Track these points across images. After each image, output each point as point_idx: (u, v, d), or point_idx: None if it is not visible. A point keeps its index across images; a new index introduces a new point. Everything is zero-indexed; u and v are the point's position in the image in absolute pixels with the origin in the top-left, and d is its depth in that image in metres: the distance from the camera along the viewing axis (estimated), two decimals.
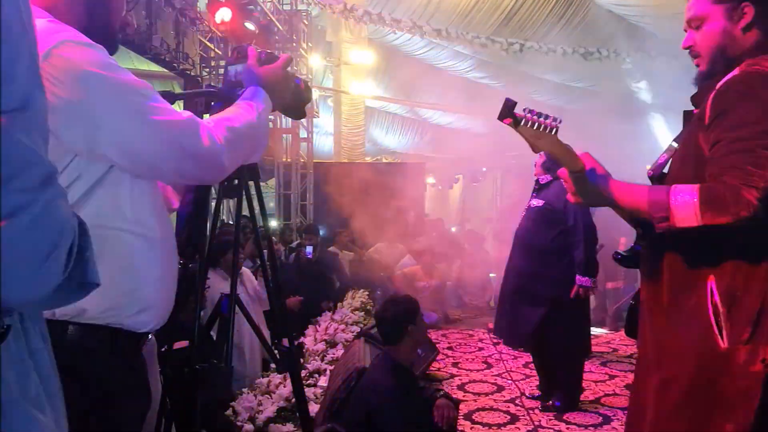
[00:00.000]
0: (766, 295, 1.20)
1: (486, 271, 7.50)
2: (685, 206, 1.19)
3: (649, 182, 1.45)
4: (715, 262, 1.25)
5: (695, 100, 1.40)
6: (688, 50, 1.39)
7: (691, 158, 1.31)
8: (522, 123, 1.28)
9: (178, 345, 1.51)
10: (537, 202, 3.59)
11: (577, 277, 3.36)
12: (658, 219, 1.23)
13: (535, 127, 1.28)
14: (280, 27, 7.77)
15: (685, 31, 1.39)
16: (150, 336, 1.20)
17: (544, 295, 3.48)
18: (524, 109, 1.30)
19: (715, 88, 1.29)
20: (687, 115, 1.44)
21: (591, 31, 10.29)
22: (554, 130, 1.29)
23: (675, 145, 1.42)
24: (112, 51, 1.15)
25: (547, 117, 1.29)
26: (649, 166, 1.49)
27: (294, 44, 8.28)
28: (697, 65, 1.38)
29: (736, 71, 1.28)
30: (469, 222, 13.20)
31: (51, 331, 0.70)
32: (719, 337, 1.22)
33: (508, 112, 1.28)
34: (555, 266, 3.40)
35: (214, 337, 1.61)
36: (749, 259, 1.22)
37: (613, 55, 10.13)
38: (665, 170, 1.44)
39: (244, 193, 1.61)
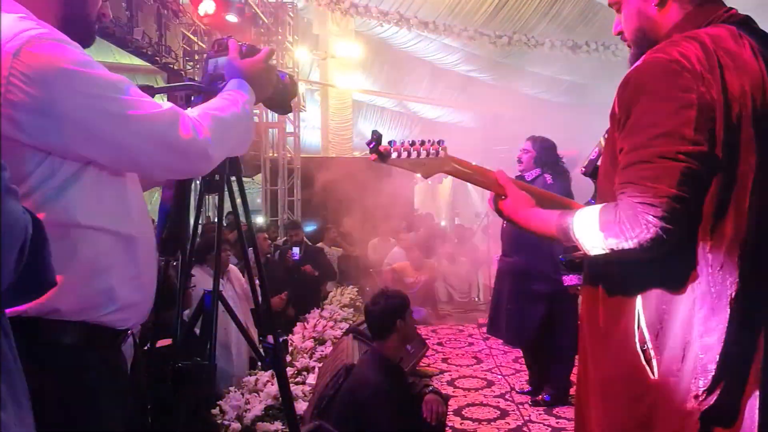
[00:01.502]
0: (691, 322, 1.03)
1: (474, 266, 7.50)
2: (590, 235, 1.06)
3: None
4: (641, 282, 1.08)
5: None
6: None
7: (612, 165, 1.12)
8: (393, 156, 1.22)
9: (161, 343, 1.48)
10: None
11: (564, 277, 3.32)
12: (571, 249, 1.15)
13: (411, 157, 1.22)
14: (265, 19, 7.67)
15: None
16: (129, 332, 1.18)
17: (542, 292, 3.48)
18: (390, 142, 1.23)
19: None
20: None
21: (579, 24, 10.29)
22: (437, 153, 1.22)
23: (602, 141, 1.28)
24: (88, 43, 1.15)
25: (423, 143, 1.22)
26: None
27: (279, 37, 8.19)
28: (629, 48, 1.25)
29: (641, 59, 1.10)
30: (458, 217, 13.20)
31: (23, 328, 0.70)
32: (647, 368, 1.06)
33: (374, 148, 1.22)
34: (549, 261, 3.37)
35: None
36: (673, 280, 1.05)
37: (602, 48, 10.14)
38: (599, 164, 1.30)
39: (226, 188, 1.56)
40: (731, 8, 1.16)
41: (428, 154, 1.23)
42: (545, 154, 3.54)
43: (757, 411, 1.02)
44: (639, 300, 1.08)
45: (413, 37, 10.86)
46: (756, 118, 1.04)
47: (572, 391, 3.68)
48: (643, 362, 1.06)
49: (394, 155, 1.22)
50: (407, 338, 2.56)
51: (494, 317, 3.82)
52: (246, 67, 1.32)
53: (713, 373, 1.01)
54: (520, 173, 3.60)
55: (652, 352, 1.06)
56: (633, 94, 1.07)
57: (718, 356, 1.01)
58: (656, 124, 1.02)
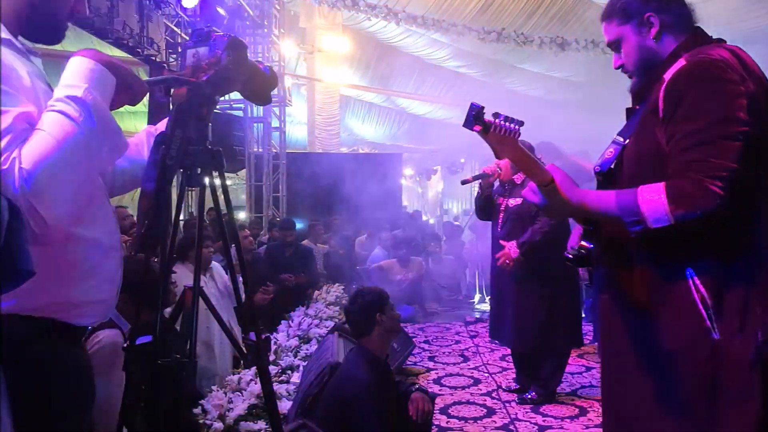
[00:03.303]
0: (750, 280, 1.19)
1: (462, 264, 7.49)
2: (656, 207, 1.18)
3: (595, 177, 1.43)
4: (691, 254, 1.23)
5: (639, 94, 1.40)
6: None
7: (650, 154, 1.28)
8: (492, 130, 1.23)
9: (141, 340, 1.44)
10: (515, 201, 3.54)
11: (513, 243, 3.39)
12: (632, 223, 1.21)
13: (501, 133, 1.24)
14: (251, 12, 7.55)
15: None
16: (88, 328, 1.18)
17: (544, 294, 3.45)
18: (493, 114, 1.25)
19: (663, 79, 1.28)
20: (630, 111, 1.42)
21: (568, 22, 10.31)
22: (517, 135, 1.26)
23: (621, 140, 1.38)
24: (55, 42, 1.11)
25: (512, 121, 1.25)
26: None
27: (265, 30, 8.07)
28: (631, 78, 1.43)
29: (682, 61, 1.27)
30: (447, 214, 13.21)
31: None
32: (712, 330, 1.19)
33: (476, 118, 1.23)
34: (548, 262, 3.35)
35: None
36: (727, 245, 1.21)
37: (591, 46, 10.18)
38: (612, 166, 1.40)
39: (207, 183, 1.51)
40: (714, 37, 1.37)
41: (509, 133, 1.25)
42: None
43: None
44: (690, 270, 1.21)
45: (402, 31, 10.80)
46: None
47: (559, 389, 3.69)
48: (709, 324, 1.19)
49: (493, 129, 1.24)
50: (391, 330, 2.55)
51: (497, 323, 3.75)
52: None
53: None
54: (508, 178, 3.57)
55: (713, 316, 1.19)
56: (684, 88, 1.23)
57: None
58: (713, 111, 1.19)
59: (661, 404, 1.25)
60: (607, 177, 1.40)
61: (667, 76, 1.27)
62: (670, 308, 1.24)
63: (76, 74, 1.03)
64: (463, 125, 1.24)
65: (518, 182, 3.55)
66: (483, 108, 1.24)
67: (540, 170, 1.32)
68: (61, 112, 0.98)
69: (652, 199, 1.18)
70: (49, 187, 0.93)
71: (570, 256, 1.44)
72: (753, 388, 1.17)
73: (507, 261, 3.44)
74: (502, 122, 1.24)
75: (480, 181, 3.72)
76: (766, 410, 1.16)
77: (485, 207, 3.75)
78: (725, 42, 1.35)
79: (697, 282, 1.21)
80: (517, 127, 1.25)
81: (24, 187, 0.90)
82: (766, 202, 1.22)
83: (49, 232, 0.93)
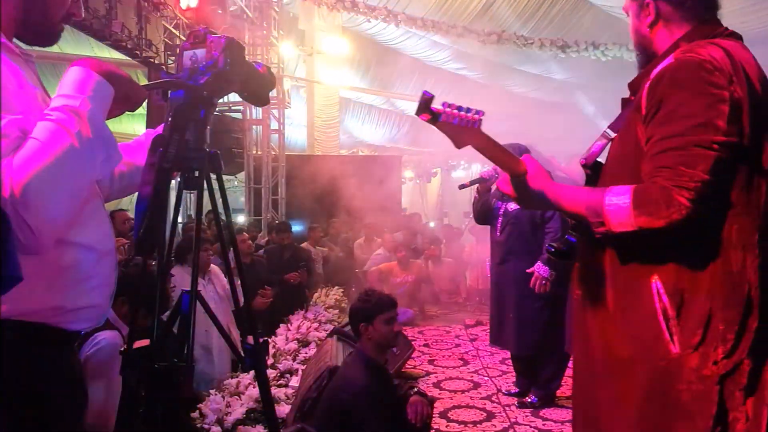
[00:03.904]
0: (715, 295, 1.13)
1: (461, 267, 7.47)
2: (619, 210, 1.13)
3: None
4: (658, 260, 1.17)
5: (632, 85, 1.34)
6: None
7: (630, 153, 1.23)
8: (441, 118, 1.22)
9: (138, 344, 1.43)
10: (514, 205, 3.51)
11: (539, 264, 3.29)
12: (596, 224, 1.17)
13: (456, 122, 1.22)
14: (250, 14, 7.55)
15: None
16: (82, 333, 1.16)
17: (545, 297, 3.42)
18: (443, 104, 1.23)
19: (650, 76, 1.22)
20: (625, 102, 1.37)
21: (569, 24, 10.31)
22: (476, 124, 1.23)
23: (610, 132, 1.33)
24: (49, 44, 1.11)
25: (468, 110, 1.23)
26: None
27: (264, 32, 8.07)
28: None
29: (670, 58, 1.21)
30: (447, 216, 13.19)
31: None
32: (671, 342, 1.14)
33: (424, 107, 1.21)
34: (549, 264, 3.32)
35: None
36: (695, 256, 1.15)
37: (591, 48, 10.18)
38: (599, 159, 1.37)
39: (205, 185, 1.50)
40: (728, 27, 1.28)
41: (468, 123, 1.24)
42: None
43: None
44: (657, 278, 1.16)
45: (401, 33, 10.81)
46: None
47: (559, 392, 3.67)
48: (668, 336, 1.14)
49: (442, 118, 1.22)
50: (378, 343, 2.43)
51: (499, 328, 3.71)
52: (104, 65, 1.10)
53: (732, 342, 1.11)
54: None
55: (674, 327, 1.14)
56: (666, 88, 1.16)
57: (737, 326, 1.11)
58: (691, 116, 1.11)
59: (619, 409, 1.22)
60: (594, 170, 1.36)
61: (655, 72, 1.21)
62: (633, 313, 1.20)
63: (74, 84, 1.03)
64: (415, 113, 1.23)
65: None
66: (433, 97, 1.22)
67: (512, 161, 1.29)
68: (56, 121, 0.97)
69: (618, 203, 1.13)
70: (39, 196, 0.91)
71: (551, 249, 1.41)
72: (707, 404, 1.12)
73: (542, 282, 3.32)
74: (454, 111, 1.22)
75: (477, 185, 3.70)
76: (719, 427, 1.12)
77: (483, 211, 3.73)
78: (734, 33, 1.26)
79: (661, 290, 1.15)
80: (476, 116, 1.22)
81: (14, 196, 0.89)
82: (738, 217, 1.14)
83: (36, 242, 0.92)
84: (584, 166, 1.37)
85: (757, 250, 1.14)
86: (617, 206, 1.13)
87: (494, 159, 1.31)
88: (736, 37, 1.26)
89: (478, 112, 1.23)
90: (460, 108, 1.23)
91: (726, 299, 1.12)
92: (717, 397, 1.11)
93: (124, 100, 1.11)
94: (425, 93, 1.22)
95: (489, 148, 1.28)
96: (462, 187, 4.02)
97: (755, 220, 1.15)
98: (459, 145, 1.26)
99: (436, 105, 1.22)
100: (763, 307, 1.13)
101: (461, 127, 1.23)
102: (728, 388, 1.11)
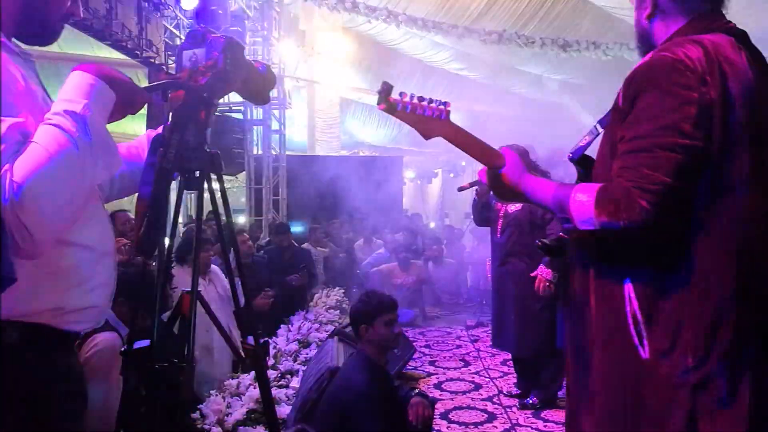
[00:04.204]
0: (684, 304, 1.10)
1: (463, 267, 7.46)
2: (582, 207, 1.12)
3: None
4: (633, 264, 1.15)
5: None
6: None
7: (609, 152, 1.21)
8: (398, 107, 1.23)
9: (139, 344, 1.43)
10: (515, 207, 3.50)
11: (541, 267, 3.27)
12: (563, 220, 1.17)
13: (418, 113, 1.24)
14: (251, 14, 7.54)
15: None
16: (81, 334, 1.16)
17: (547, 298, 3.40)
18: (401, 93, 1.25)
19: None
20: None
21: (570, 24, 10.29)
22: (443, 115, 1.24)
23: (599, 127, 1.32)
24: (48, 43, 1.12)
25: (432, 101, 1.24)
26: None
27: (265, 32, 8.05)
28: None
29: (647, 56, 1.19)
30: (448, 217, 13.18)
31: None
32: (640, 347, 1.12)
33: (382, 97, 1.23)
34: (551, 265, 3.31)
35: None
36: (666, 263, 1.12)
37: (593, 48, 10.16)
38: (587, 152, 1.35)
39: (205, 185, 1.49)
40: (729, 22, 1.23)
41: (434, 113, 1.25)
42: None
43: (748, 391, 1.07)
44: (629, 282, 1.14)
45: (402, 34, 10.79)
46: (748, 124, 1.11)
47: (560, 394, 3.66)
48: (636, 342, 1.12)
49: (400, 108, 1.24)
50: (377, 345, 2.42)
51: (499, 329, 3.69)
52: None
53: (701, 352, 1.08)
54: None
55: (644, 332, 1.12)
56: (638, 88, 1.13)
57: (706, 338, 1.08)
58: (658, 117, 1.09)
59: (591, 406, 1.21)
60: (583, 165, 1.34)
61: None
62: (607, 316, 1.18)
63: (76, 89, 1.03)
64: (377, 103, 1.24)
65: None
66: (391, 87, 1.23)
67: (488, 153, 1.29)
68: (57, 126, 0.98)
69: (582, 200, 1.12)
70: (38, 201, 0.91)
71: (540, 243, 1.41)
72: (676, 410, 1.09)
73: (546, 285, 3.30)
74: (414, 102, 1.23)
75: (476, 187, 3.69)
76: None
77: (483, 213, 3.72)
78: (733, 27, 1.21)
79: (632, 295, 1.13)
80: (441, 107, 1.23)
81: (13, 200, 0.89)
82: (707, 225, 1.10)
83: (33, 246, 0.92)
84: (571, 160, 1.36)
85: (726, 260, 1.10)
86: (581, 203, 1.12)
87: (468, 151, 1.31)
88: (735, 33, 1.20)
89: (444, 103, 1.24)
90: (422, 99, 1.24)
91: (695, 309, 1.09)
92: (688, 406, 1.08)
93: (125, 105, 1.12)
94: (384, 83, 1.23)
95: (460, 139, 1.28)
96: (461, 189, 4.01)
97: (725, 229, 1.10)
98: (426, 135, 1.27)
99: (397, 96, 1.24)
100: (740, 320, 1.09)
101: (425, 117, 1.23)
102: (700, 400, 1.08)
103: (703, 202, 1.10)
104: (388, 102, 1.22)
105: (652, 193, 1.05)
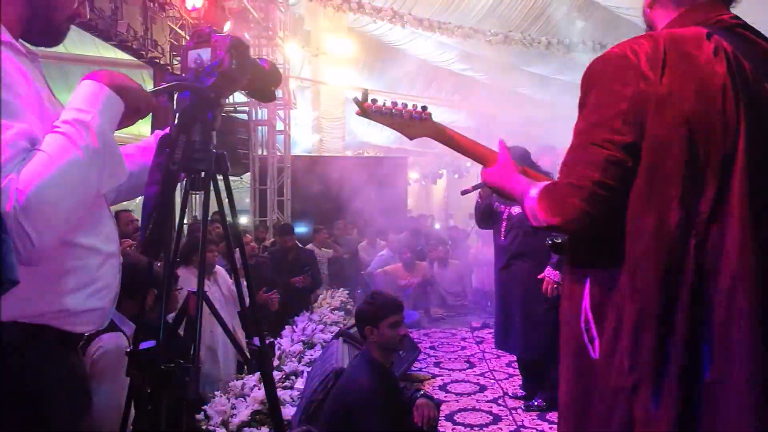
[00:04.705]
0: (622, 308, 1.06)
1: (468, 268, 7.44)
2: (532, 204, 1.13)
3: None
4: (590, 264, 1.15)
5: None
6: None
7: None
8: (373, 111, 1.27)
9: (144, 345, 1.42)
10: (518, 209, 3.48)
11: (548, 269, 3.23)
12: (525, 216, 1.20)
13: (394, 115, 1.27)
14: (256, 14, 7.55)
15: None
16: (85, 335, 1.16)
17: (552, 300, 3.35)
18: (373, 100, 1.29)
19: None
20: None
21: (575, 23, 10.27)
22: (423, 116, 1.28)
23: None
24: (55, 44, 1.13)
25: (406, 105, 1.29)
26: None
27: (270, 33, 8.07)
28: None
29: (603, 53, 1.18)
30: (452, 218, 13.15)
31: None
32: (590, 347, 1.12)
33: (359, 103, 1.28)
34: (558, 267, 3.29)
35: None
36: (613, 265, 1.08)
37: (599, 47, 10.14)
38: None
39: (211, 186, 1.48)
40: (723, 14, 1.17)
41: (411, 116, 1.28)
42: (518, 162, 3.45)
43: (674, 398, 1.03)
44: (587, 281, 1.14)
45: (407, 34, 10.79)
46: (691, 120, 1.04)
47: None
48: (587, 340, 1.13)
49: (375, 111, 1.28)
50: (383, 347, 2.42)
51: (505, 331, 3.66)
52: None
53: (634, 356, 1.06)
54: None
55: (594, 333, 1.12)
56: (587, 84, 1.14)
57: (636, 343, 1.06)
58: (594, 113, 1.09)
59: (561, 400, 1.22)
60: None
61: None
62: (569, 314, 1.18)
63: (86, 98, 1.04)
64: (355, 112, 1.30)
65: None
66: (367, 92, 1.29)
67: (480, 152, 1.30)
68: (65, 134, 0.98)
69: (533, 196, 1.13)
70: (42, 210, 0.92)
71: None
72: (614, 413, 1.08)
73: (554, 287, 3.24)
74: (388, 106, 1.27)
75: (480, 189, 3.67)
76: None
77: (486, 216, 3.70)
78: (722, 21, 1.14)
79: (586, 294, 1.12)
80: (421, 111, 1.26)
81: (17, 207, 0.89)
82: (640, 224, 1.05)
83: (34, 251, 0.92)
84: None
85: (662, 265, 1.03)
86: (532, 199, 1.14)
87: (459, 150, 1.33)
88: (722, 26, 1.13)
89: (421, 107, 1.28)
90: (395, 104, 1.29)
91: (631, 313, 1.06)
92: (625, 411, 1.06)
93: (134, 112, 1.13)
94: (363, 90, 1.30)
95: (445, 138, 1.30)
96: (464, 192, 3.99)
97: (661, 228, 1.04)
98: (411, 136, 1.30)
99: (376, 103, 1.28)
100: (663, 323, 1.03)
101: (403, 120, 1.27)
102: (636, 405, 1.05)
103: (638, 201, 1.06)
104: (363, 108, 1.27)
105: (583, 189, 1.04)
